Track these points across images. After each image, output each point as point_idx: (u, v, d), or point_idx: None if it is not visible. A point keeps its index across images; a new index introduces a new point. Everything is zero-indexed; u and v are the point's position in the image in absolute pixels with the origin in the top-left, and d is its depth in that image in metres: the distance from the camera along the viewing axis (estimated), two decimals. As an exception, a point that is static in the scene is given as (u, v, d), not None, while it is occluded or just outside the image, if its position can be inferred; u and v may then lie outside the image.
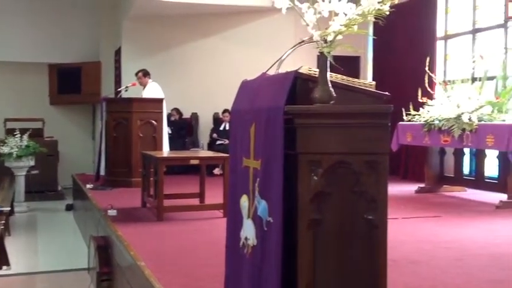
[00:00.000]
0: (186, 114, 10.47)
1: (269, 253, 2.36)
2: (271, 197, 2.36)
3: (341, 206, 2.25)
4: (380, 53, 9.71)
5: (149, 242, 4.53)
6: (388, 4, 2.22)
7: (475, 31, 7.97)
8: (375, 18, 2.27)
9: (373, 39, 9.83)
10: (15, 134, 9.23)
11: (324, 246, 2.24)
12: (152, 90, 8.37)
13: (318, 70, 2.33)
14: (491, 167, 6.93)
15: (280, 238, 2.27)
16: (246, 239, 2.62)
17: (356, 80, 2.52)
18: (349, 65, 9.93)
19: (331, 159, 2.24)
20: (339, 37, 2.26)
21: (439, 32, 8.55)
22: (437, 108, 6.64)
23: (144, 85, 8.49)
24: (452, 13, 8.50)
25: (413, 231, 4.92)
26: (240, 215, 2.69)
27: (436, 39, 8.47)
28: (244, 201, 2.65)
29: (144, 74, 8.47)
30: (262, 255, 2.43)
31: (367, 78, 10.05)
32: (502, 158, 6.28)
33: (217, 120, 10.27)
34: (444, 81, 7.34)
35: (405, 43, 8.94)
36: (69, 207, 9.58)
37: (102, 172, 8.25)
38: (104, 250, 5.06)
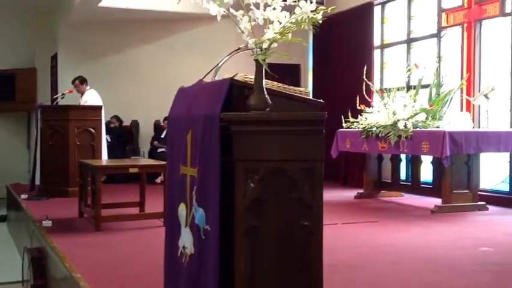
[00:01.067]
0: (126, 122, 10.30)
1: (206, 262, 2.34)
2: (208, 204, 2.34)
3: (277, 213, 2.26)
4: (320, 61, 9.88)
5: (86, 253, 4.41)
6: (321, 13, 2.25)
7: (410, 40, 8.24)
8: (309, 26, 2.29)
9: (314, 47, 10.02)
10: None
11: (260, 254, 2.24)
12: (90, 97, 8.19)
13: (253, 77, 2.34)
14: (426, 173, 7.16)
15: (217, 246, 2.26)
16: (183, 247, 2.59)
17: (292, 87, 2.54)
18: (290, 72, 10.08)
19: (267, 166, 2.25)
20: (274, 45, 2.27)
21: (376, 41, 8.78)
22: (374, 116, 6.81)
23: (81, 92, 8.30)
24: (389, 23, 8.75)
25: (352, 236, 5.01)
26: (178, 223, 2.66)
27: (373, 48, 8.70)
28: (182, 209, 2.63)
29: (81, 82, 8.28)
30: (200, 264, 2.40)
31: (307, 86, 10.20)
32: (437, 163, 6.50)
33: (158, 128, 10.15)
34: (381, 89, 7.54)
35: (344, 52, 9.14)
36: (2, 218, 9.20)
37: (38, 182, 7.98)
38: (39, 262, 4.89)
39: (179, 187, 2.66)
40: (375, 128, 6.67)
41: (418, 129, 6.25)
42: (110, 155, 8.71)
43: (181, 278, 2.61)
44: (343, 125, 7.32)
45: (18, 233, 7.26)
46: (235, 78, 2.40)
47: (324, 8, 2.29)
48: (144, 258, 4.18)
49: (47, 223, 5.39)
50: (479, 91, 6.86)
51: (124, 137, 10.11)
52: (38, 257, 4.93)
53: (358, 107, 7.18)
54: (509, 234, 5.03)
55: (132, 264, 4.05)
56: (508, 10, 6.70)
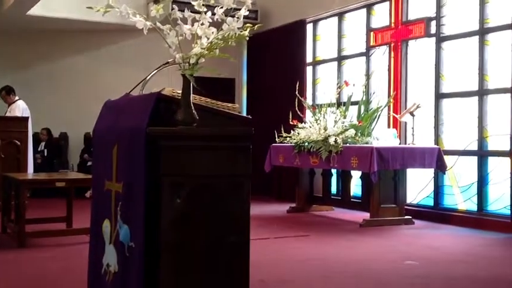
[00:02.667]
0: (55, 134, 9.99)
1: (130, 280, 2.29)
2: (133, 221, 2.30)
3: (204, 229, 2.25)
4: (254, 76, 9.97)
5: (8, 271, 4.23)
6: (248, 30, 2.28)
7: (340, 58, 8.46)
8: (236, 42, 2.31)
9: (248, 62, 10.11)
10: None
11: (187, 271, 2.22)
12: (17, 108, 7.89)
13: (180, 92, 2.33)
14: (356, 187, 7.34)
15: (142, 264, 2.22)
16: (107, 265, 2.53)
17: (220, 102, 2.54)
18: (224, 87, 10.12)
19: (193, 181, 2.24)
20: (202, 60, 2.28)
21: (309, 57, 8.96)
22: (306, 131, 6.92)
23: (8, 103, 7.98)
24: (321, 40, 8.96)
25: (283, 251, 5.05)
26: (102, 240, 2.60)
27: (305, 64, 8.86)
28: (106, 226, 2.57)
29: (7, 92, 7.96)
30: (123, 282, 2.35)
31: (241, 100, 10.27)
32: (365, 178, 6.67)
33: (88, 140, 9.89)
34: (313, 105, 7.69)
35: (277, 67, 9.27)
36: None
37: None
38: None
39: (104, 203, 2.60)
40: (306, 143, 6.78)
41: (347, 144, 6.40)
42: (40, 168, 8.43)
43: (104, 296, 2.54)
44: (276, 139, 7.40)
45: None
46: (163, 92, 2.38)
47: (251, 25, 2.31)
48: (70, 275, 4.05)
49: (-33, 240, 5.12)
50: (405, 108, 7.12)
51: (53, 149, 9.79)
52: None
53: (291, 122, 7.28)
54: (433, 248, 5.21)
55: (56, 282, 3.92)
56: (432, 31, 7.02)
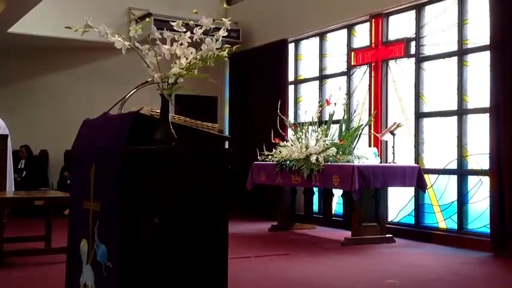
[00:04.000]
0: (35, 152, 9.89)
1: (108, 300, 2.27)
2: (110, 240, 2.29)
3: (182, 248, 2.24)
4: (237, 94, 10.00)
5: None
6: (227, 51, 2.30)
7: (322, 77, 8.53)
8: (215, 63, 2.33)
9: (230, 80, 10.14)
10: None
11: (164, 291, 2.20)
12: (-5, 125, 7.80)
13: (159, 111, 2.33)
14: (338, 205, 7.35)
15: (119, 283, 2.20)
16: (85, 285, 2.50)
17: (199, 122, 2.55)
18: (207, 105, 10.13)
19: (171, 201, 2.23)
20: (180, 80, 2.29)
21: (291, 76, 9.02)
22: (288, 149, 6.94)
23: (-15, 121, 7.88)
24: (303, 59, 9.03)
25: (264, 269, 5.02)
26: (80, 260, 2.57)
27: (287, 83, 8.92)
28: (83, 245, 2.54)
29: None
30: (101, 302, 2.33)
31: (223, 119, 10.27)
32: (346, 196, 6.69)
33: (68, 158, 9.81)
34: (294, 124, 7.72)
35: (260, 86, 9.31)
36: None
37: None
38: None
39: (81, 222, 2.58)
40: (288, 162, 6.79)
41: (329, 163, 6.42)
42: (21, 187, 8.32)
43: (81, 317, 2.51)
44: (258, 157, 7.41)
45: None
46: (141, 111, 2.38)
47: (229, 46, 2.33)
48: (47, 296, 3.99)
49: None
50: (386, 127, 7.18)
51: (34, 167, 9.69)
52: None
53: (273, 141, 7.30)
54: (414, 266, 5.22)
55: (32, 303, 3.85)
56: (412, 51, 7.12)
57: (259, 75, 9.34)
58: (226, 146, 2.78)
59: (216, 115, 10.45)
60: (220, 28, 2.35)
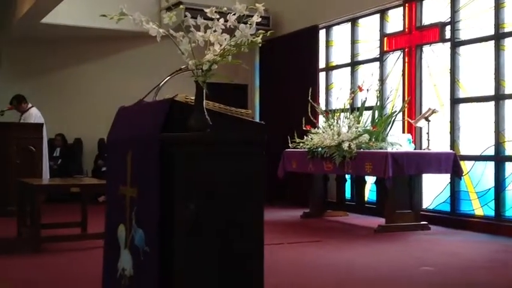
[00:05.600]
0: (70, 140, 10.07)
1: (146, 284, 2.30)
2: (147, 225, 2.31)
3: (218, 235, 2.25)
4: (267, 81, 9.98)
5: (24, 275, 4.27)
6: (261, 37, 2.28)
7: (354, 63, 8.44)
8: (249, 49, 2.32)
9: (261, 68, 10.12)
10: None
11: (201, 277, 2.22)
12: (31, 115, 7.97)
13: (194, 98, 2.34)
14: (371, 193, 7.29)
15: (157, 268, 2.22)
16: (123, 270, 2.54)
17: (233, 108, 2.54)
18: (237, 93, 10.14)
19: (207, 187, 2.24)
20: (215, 66, 2.28)
21: (322, 63, 8.95)
22: (319, 136, 6.91)
23: (21, 111, 8.06)
24: (334, 46, 8.95)
25: (297, 256, 5.03)
26: (117, 245, 2.61)
27: (318, 70, 8.85)
28: (121, 230, 2.58)
29: (18, 101, 8.03)
30: (139, 286, 2.36)
31: (254, 106, 10.27)
32: (380, 184, 6.63)
33: (102, 146, 9.97)
34: (326, 111, 7.67)
35: (290, 73, 9.27)
36: None
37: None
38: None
39: (118, 208, 2.61)
40: (320, 149, 6.76)
41: (362, 150, 6.37)
42: (56, 174, 8.50)
43: (119, 301, 2.55)
44: (290, 145, 7.39)
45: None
46: (176, 98, 2.39)
47: (264, 32, 2.32)
48: (84, 280, 4.07)
49: (-17, 244, 5.19)
50: (420, 113, 7.08)
51: (68, 155, 9.88)
52: (-28, 280, 4.72)
53: (304, 128, 7.27)
54: (450, 254, 5.15)
55: (72, 286, 3.94)
56: (447, 36, 6.98)
57: (290, 63, 9.29)
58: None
59: (247, 103, 10.45)
60: (254, 14, 2.34)
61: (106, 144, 3.08)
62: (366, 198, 7.22)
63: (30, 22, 8.72)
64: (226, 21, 2.33)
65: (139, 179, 2.40)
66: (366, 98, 7.02)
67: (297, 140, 7.29)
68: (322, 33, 8.96)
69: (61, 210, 6.85)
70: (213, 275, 2.22)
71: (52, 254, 5.04)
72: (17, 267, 4.51)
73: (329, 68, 8.98)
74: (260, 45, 2.30)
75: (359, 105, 7.20)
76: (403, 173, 6.14)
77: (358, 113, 6.88)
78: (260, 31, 2.34)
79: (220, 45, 2.31)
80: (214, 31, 2.32)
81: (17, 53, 9.87)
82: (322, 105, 8.42)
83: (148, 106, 2.56)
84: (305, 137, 7.20)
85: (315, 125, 7.32)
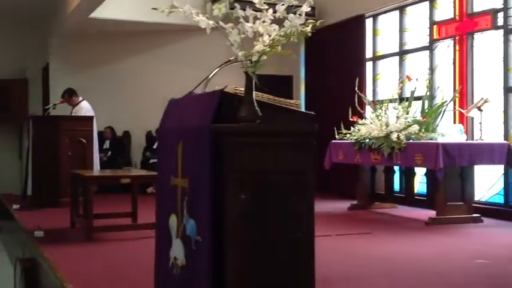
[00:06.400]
0: (119, 133, 10.28)
1: (198, 273, 2.33)
2: (199, 215, 2.34)
3: (268, 225, 2.26)
4: (312, 72, 9.91)
5: (77, 264, 4.39)
6: (310, 26, 2.26)
7: (402, 52, 8.28)
8: (298, 39, 2.31)
9: (306, 58, 10.05)
10: None
11: (251, 266, 2.23)
12: (82, 108, 8.17)
13: (243, 89, 2.34)
14: (420, 184, 7.15)
15: (209, 258, 2.25)
16: (175, 259, 2.58)
17: (282, 99, 2.54)
18: (282, 84, 10.09)
19: (258, 178, 2.24)
20: (264, 57, 2.28)
21: (368, 53, 8.82)
22: (367, 127, 6.81)
23: (72, 104, 8.27)
24: (381, 35, 8.80)
25: (345, 248, 4.99)
26: (169, 234, 2.65)
27: (365, 60, 8.73)
28: (173, 220, 2.62)
29: (69, 94, 8.22)
30: (191, 275, 2.39)
31: (299, 98, 10.22)
32: (430, 175, 6.49)
33: (150, 138, 10.13)
34: (373, 101, 7.56)
35: (336, 63, 9.17)
36: (-6, 229, 9.14)
37: (30, 192, 7.94)
38: (31, 273, 4.85)
39: (170, 198, 2.65)
40: (367, 140, 6.68)
41: (411, 141, 6.26)
42: (106, 166, 8.70)
43: (172, 289, 2.60)
44: (336, 136, 7.33)
45: (11, 243, 7.20)
46: (226, 90, 2.40)
47: (313, 21, 2.30)
48: (136, 268, 4.15)
49: (39, 233, 5.36)
50: (472, 103, 6.89)
51: (117, 148, 10.08)
52: (30, 267, 4.89)
53: (351, 119, 7.19)
54: (504, 246, 5.02)
55: (123, 275, 4.03)
56: (499, 23, 6.75)
57: (336, 53, 9.19)
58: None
59: (292, 94, 10.41)
60: (302, 5, 2.32)
61: (157, 136, 3.13)
62: (415, 190, 7.08)
63: (79, 17, 8.91)
64: (275, 12, 2.32)
65: (190, 170, 2.42)
66: (415, 88, 6.88)
67: (344, 131, 7.21)
68: (368, 22, 8.82)
69: (111, 201, 7.00)
70: (265, 264, 2.23)
71: (104, 244, 5.16)
72: (70, 256, 4.63)
73: (376, 58, 8.83)
74: (310, 34, 2.28)
75: (408, 95, 7.06)
76: (454, 164, 5.99)
77: (407, 103, 6.74)
78: (310, 21, 2.32)
79: (270, 36, 2.31)
80: (263, 22, 2.31)
81: (67, 47, 10.11)
82: (369, 96, 8.30)
83: (198, 98, 2.59)
84: (352, 128, 7.12)
85: (362, 116, 7.22)
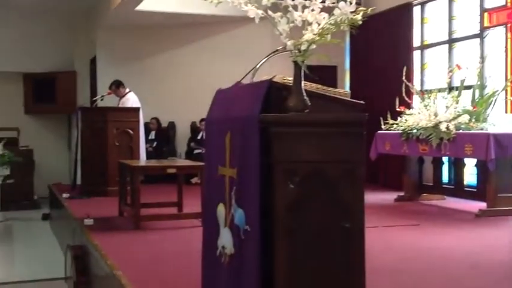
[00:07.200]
0: (164, 124, 10.42)
1: (247, 261, 2.34)
2: (247, 205, 2.34)
3: (317, 215, 2.24)
4: (357, 62, 9.77)
5: (126, 251, 4.49)
6: (361, 14, 2.22)
7: (451, 41, 8.06)
8: (348, 27, 2.27)
9: (351, 48, 9.92)
10: (-11, 144, 9.07)
11: (300, 255, 2.23)
12: (128, 99, 8.31)
13: (292, 79, 2.33)
14: (470, 175, 6.98)
15: (258, 246, 2.26)
16: (223, 247, 2.59)
17: (331, 88, 2.51)
18: (326, 74, 9.97)
19: (306, 167, 2.23)
20: (313, 46, 2.25)
21: (416, 41, 8.63)
22: (415, 117, 6.68)
23: (119, 96, 8.42)
24: (429, 23, 8.59)
25: (393, 240, 4.92)
26: (217, 223, 2.66)
27: (412, 49, 8.55)
28: (220, 209, 2.63)
29: (117, 86, 8.38)
30: (240, 263, 2.40)
31: (344, 88, 10.10)
32: (481, 166, 6.33)
33: (194, 129, 10.23)
34: (421, 91, 7.40)
35: (382, 53, 9.01)
36: (45, 217, 9.44)
37: (79, 181, 8.15)
38: (81, 259, 5.00)
39: (218, 188, 2.66)
40: (415, 130, 6.55)
41: (460, 131, 6.10)
42: (152, 156, 8.85)
43: (220, 277, 2.61)
44: (382, 126, 7.21)
45: (61, 231, 7.42)
46: (274, 79, 2.39)
47: (364, 9, 2.25)
48: (183, 257, 4.22)
49: (89, 221, 5.50)
50: (524, 92, 6.66)
51: (162, 138, 10.22)
52: (80, 254, 5.04)
53: (398, 109, 7.06)
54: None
55: (171, 263, 4.10)
56: (555, 9, 6.50)
57: (382, 42, 9.03)
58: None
59: (336, 85, 10.30)
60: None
61: (203, 126, 3.15)
62: (465, 181, 6.91)
63: (125, 10, 9.05)
64: (323, 0, 2.29)
65: (238, 160, 2.42)
66: (465, 77, 6.69)
67: (390, 122, 7.09)
68: (416, 10, 8.62)
69: (156, 191, 7.12)
70: (314, 254, 2.22)
71: (151, 232, 5.25)
72: (119, 244, 4.74)
73: (424, 47, 8.63)
74: (360, 23, 2.24)
75: (457, 84, 6.87)
76: (506, 155, 5.81)
77: (456, 93, 6.57)
78: (360, 8, 2.28)
79: (319, 25, 2.28)
80: (312, 10, 2.29)
81: (114, 39, 10.30)
82: (417, 85, 8.13)
83: (246, 88, 2.58)
84: (399, 118, 6.99)
85: (409, 106, 7.08)
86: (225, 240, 2.54)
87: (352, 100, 2.50)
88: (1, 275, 6.15)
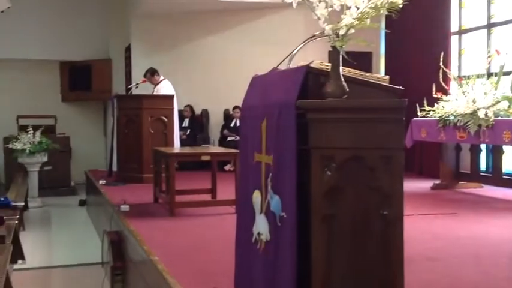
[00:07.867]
0: (197, 111, 10.46)
1: (283, 248, 2.33)
2: (284, 192, 2.33)
3: (355, 202, 2.21)
4: (393, 47, 9.61)
5: (162, 237, 4.53)
6: (402, -3, 2.17)
7: (490, 25, 7.85)
8: (388, 11, 2.22)
9: (386, 33, 9.75)
10: (28, 131, 9.26)
11: (337, 242, 2.21)
12: (163, 87, 8.36)
13: (329, 64, 2.29)
14: (509, 163, 6.82)
15: (294, 233, 2.25)
16: (258, 234, 2.59)
17: (369, 74, 2.47)
18: (361, 60, 9.80)
19: (344, 154, 2.20)
20: (351, 31, 2.21)
21: (453, 26, 8.44)
22: (452, 104, 6.55)
23: (154, 83, 8.48)
24: (467, 7, 8.38)
25: (429, 228, 4.85)
26: (252, 210, 2.66)
27: (450, 34, 8.36)
28: (256, 196, 2.62)
29: (151, 74, 8.44)
30: (276, 250, 2.40)
31: (379, 74, 9.95)
32: (519, 154, 6.18)
33: (227, 117, 10.25)
34: (459, 77, 7.24)
35: (418, 38, 8.84)
36: (82, 203, 9.63)
37: (115, 168, 8.26)
38: (117, 245, 5.07)
39: (254, 174, 2.65)
40: (452, 117, 6.42)
41: (499, 118, 5.95)
42: (185, 144, 8.92)
43: (256, 264, 2.61)
44: (418, 113, 7.09)
45: (97, 216, 7.55)
46: (311, 65, 2.36)
47: (406, -9, 2.20)
48: (218, 243, 4.24)
49: (125, 208, 5.57)
50: None
51: (196, 125, 10.28)
52: (116, 240, 5.11)
53: (434, 95, 6.93)
54: None
55: (206, 249, 4.13)
56: None
57: (418, 27, 8.85)
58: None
59: (371, 70, 10.16)
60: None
61: (238, 113, 3.14)
62: (503, 170, 6.76)
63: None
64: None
65: (275, 147, 2.41)
66: (505, 63, 6.51)
67: (427, 108, 6.97)
68: (453, -5, 8.42)
69: (190, 178, 7.17)
70: (351, 241, 2.19)
71: (186, 218, 5.30)
72: (154, 230, 4.79)
73: (461, 32, 8.43)
74: (401, 6, 2.19)
75: (496, 70, 6.70)
76: (546, 143, 5.66)
77: (495, 79, 6.40)
78: (401, -9, 2.23)
79: (358, 9, 2.23)
80: (351, -6, 2.24)
81: (148, 27, 10.36)
82: (454, 71, 7.95)
83: (283, 74, 2.56)
84: (436, 105, 6.86)
85: (446, 92, 6.93)
86: (261, 226, 2.54)
87: (391, 85, 2.45)
88: (39, 260, 6.30)
